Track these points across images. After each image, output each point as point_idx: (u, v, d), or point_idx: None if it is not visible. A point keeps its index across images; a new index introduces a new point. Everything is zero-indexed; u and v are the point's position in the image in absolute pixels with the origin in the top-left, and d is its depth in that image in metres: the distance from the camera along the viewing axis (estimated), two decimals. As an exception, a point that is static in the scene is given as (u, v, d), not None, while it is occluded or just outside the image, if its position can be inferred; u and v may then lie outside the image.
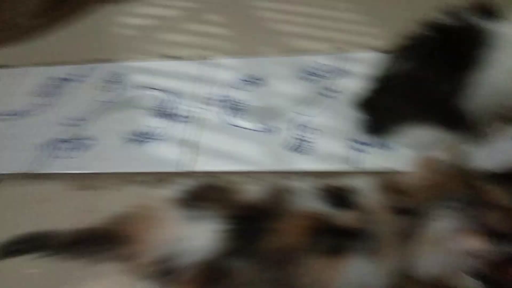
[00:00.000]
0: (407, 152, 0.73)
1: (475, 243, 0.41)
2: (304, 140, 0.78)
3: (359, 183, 0.48)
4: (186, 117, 0.86)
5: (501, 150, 0.71)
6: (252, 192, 0.50)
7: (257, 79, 0.90)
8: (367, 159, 0.74)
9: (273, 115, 0.83)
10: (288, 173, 0.75)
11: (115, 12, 1.15)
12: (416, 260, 0.44)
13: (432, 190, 0.45)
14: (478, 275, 0.43)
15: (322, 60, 0.91)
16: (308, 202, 0.47)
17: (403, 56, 0.67)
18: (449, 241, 0.42)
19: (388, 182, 0.46)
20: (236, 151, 0.79)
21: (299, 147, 0.77)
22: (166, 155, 0.81)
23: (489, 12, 0.61)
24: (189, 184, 0.52)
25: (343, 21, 1.03)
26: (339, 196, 0.47)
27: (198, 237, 0.45)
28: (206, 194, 0.50)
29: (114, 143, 0.84)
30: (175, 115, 0.86)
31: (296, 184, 0.50)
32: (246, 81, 0.90)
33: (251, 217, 0.46)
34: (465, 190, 0.44)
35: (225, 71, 0.93)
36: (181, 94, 0.90)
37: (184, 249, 0.45)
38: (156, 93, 0.91)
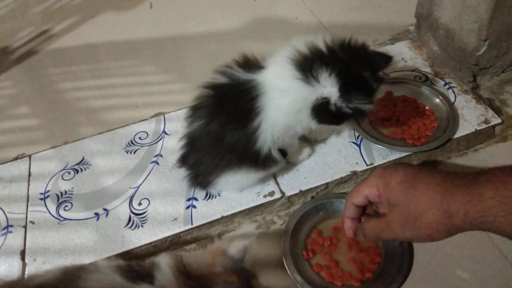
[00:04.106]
0: (231, 195, 0.79)
1: None
2: (137, 214, 0.79)
3: (161, 260, 0.52)
4: (12, 226, 0.80)
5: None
6: (44, 274, 0.52)
7: (80, 164, 0.88)
8: (197, 214, 0.77)
9: (102, 197, 0.82)
10: (129, 251, 0.75)
11: None
12: None
13: (213, 279, 0.52)
14: None
15: (141, 127, 0.94)
16: (105, 278, 0.49)
17: (195, 114, 0.73)
18: None
19: (180, 263, 0.52)
20: (73, 245, 0.76)
21: (133, 223, 0.78)
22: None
23: (252, 65, 0.71)
24: None
25: (154, 84, 1.08)
26: (138, 271, 0.51)
27: None
28: None
29: None
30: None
31: (98, 262, 0.54)
32: (69, 169, 0.88)
33: None
34: (239, 283, 0.52)
35: (46, 164, 0.89)
36: (2, 200, 0.84)
37: None
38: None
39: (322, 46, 0.67)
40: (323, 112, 0.67)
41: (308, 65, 0.66)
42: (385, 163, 0.80)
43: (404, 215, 0.52)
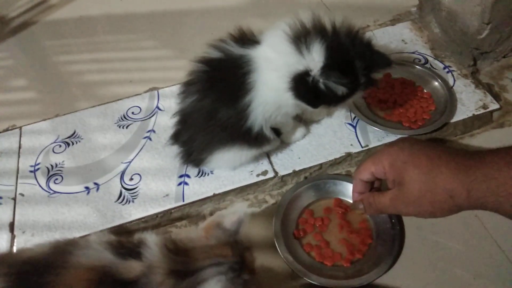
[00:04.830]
0: (224, 174, 0.78)
1: None
2: (128, 189, 0.78)
3: (148, 238, 0.51)
4: (1, 197, 0.80)
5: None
6: (35, 248, 0.51)
7: (72, 137, 0.87)
8: (189, 191, 0.76)
9: (93, 172, 0.81)
10: (119, 226, 0.74)
11: None
12: None
13: (205, 253, 0.51)
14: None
15: (134, 102, 0.92)
16: (95, 254, 0.49)
17: (188, 90, 0.71)
18: None
19: (169, 241, 0.51)
20: (62, 219, 0.76)
21: (124, 198, 0.77)
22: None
23: (247, 39, 0.69)
24: None
25: (149, 59, 1.06)
26: (128, 248, 0.50)
27: None
28: None
29: None
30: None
31: (89, 237, 0.53)
32: (60, 142, 0.87)
33: (30, 272, 0.47)
34: (232, 256, 0.51)
35: (37, 136, 0.88)
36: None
37: None
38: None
39: (327, 23, 0.65)
40: (300, 84, 0.65)
41: (305, 33, 0.64)
42: (380, 146, 0.80)
43: (408, 194, 0.52)
